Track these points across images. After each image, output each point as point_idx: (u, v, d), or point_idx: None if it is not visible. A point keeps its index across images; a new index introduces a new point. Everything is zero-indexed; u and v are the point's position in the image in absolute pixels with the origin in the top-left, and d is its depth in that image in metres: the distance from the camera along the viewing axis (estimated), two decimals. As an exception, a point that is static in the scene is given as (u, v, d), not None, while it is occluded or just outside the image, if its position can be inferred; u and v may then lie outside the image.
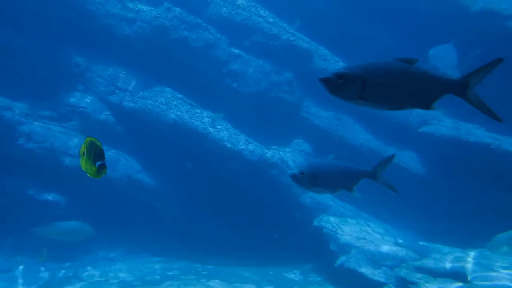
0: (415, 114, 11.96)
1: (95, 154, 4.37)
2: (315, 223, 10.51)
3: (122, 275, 9.69)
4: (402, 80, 3.58)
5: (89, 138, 4.43)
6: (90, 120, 11.37)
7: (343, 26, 12.65)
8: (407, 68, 3.63)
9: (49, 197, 10.75)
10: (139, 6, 12.12)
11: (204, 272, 10.01)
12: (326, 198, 11.35)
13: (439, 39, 11.70)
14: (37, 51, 11.47)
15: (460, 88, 3.51)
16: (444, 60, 9.77)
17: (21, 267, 10.06)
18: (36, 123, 10.96)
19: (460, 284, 7.85)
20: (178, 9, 12.18)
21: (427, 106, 3.64)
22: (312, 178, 5.35)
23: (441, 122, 11.68)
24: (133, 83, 11.88)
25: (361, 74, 3.55)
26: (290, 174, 5.43)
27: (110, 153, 11.20)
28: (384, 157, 5.60)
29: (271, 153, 11.16)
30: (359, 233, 10.05)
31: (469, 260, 8.35)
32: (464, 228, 10.43)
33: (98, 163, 4.32)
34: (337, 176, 5.46)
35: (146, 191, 11.19)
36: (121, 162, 11.20)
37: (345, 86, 3.55)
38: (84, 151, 4.41)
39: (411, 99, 3.63)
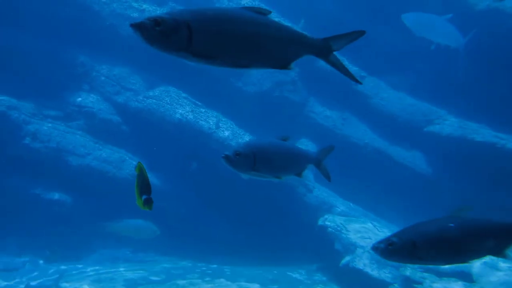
0: (419, 113, 11.93)
1: (142, 185, 4.07)
2: (320, 222, 10.51)
3: (127, 274, 9.73)
4: (247, 31, 2.97)
5: (140, 164, 4.08)
6: (95, 120, 11.41)
7: (348, 25, 12.62)
8: (256, 18, 3.05)
9: (54, 197, 10.80)
10: (144, 5, 12.15)
11: (209, 271, 10.04)
12: (331, 197, 11.35)
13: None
14: (42, 50, 11.51)
15: (323, 50, 3.21)
16: (441, 31, 9.70)
17: (27, 266, 10.12)
18: (42, 123, 11.01)
19: (465, 283, 7.84)
20: (182, 8, 12.18)
21: (284, 66, 3.19)
22: (250, 160, 4.54)
23: (446, 121, 11.66)
24: (138, 83, 11.91)
25: (186, 20, 2.84)
26: (223, 156, 4.62)
27: (115, 153, 11.24)
28: (326, 146, 5.18)
29: (276, 153, 11.15)
30: (364, 232, 10.05)
31: (476, 260, 8.33)
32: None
33: (144, 197, 4.02)
34: (279, 159, 4.70)
35: (152, 190, 11.20)
36: (127, 162, 11.24)
37: (165, 35, 2.84)
38: (136, 175, 4.12)
39: (262, 56, 3.08)
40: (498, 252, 3.46)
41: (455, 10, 11.48)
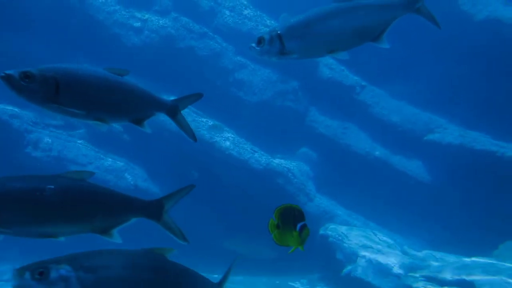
0: (420, 122, 11.97)
1: (295, 217, 3.75)
2: (321, 231, 10.49)
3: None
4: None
5: (283, 206, 3.74)
6: (97, 129, 11.43)
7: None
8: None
9: (56, 205, 10.80)
10: (147, 15, 12.26)
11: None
12: (332, 207, 11.35)
13: (444, 46, 11.77)
14: (45, 59, 11.57)
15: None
16: None
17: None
18: (44, 132, 11.05)
19: (467, 293, 7.81)
20: (185, 19, 12.30)
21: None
22: (49, 88, 3.24)
23: (446, 130, 11.69)
24: (140, 92, 11.98)
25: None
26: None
27: (117, 162, 11.26)
28: (192, 93, 4.28)
29: (277, 162, 11.19)
30: (366, 242, 10.03)
31: (477, 268, 8.31)
32: (471, 236, 10.39)
33: (300, 224, 3.67)
34: (96, 91, 3.47)
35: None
36: (128, 171, 11.26)
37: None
38: (277, 223, 3.70)
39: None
40: (103, 230, 3.28)
41: (455, 21, 11.58)
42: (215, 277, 3.77)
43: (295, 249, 3.69)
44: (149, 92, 3.65)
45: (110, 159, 11.25)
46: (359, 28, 3.56)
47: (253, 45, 3.72)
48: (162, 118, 12.53)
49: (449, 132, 11.60)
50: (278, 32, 3.57)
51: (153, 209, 3.44)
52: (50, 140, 10.98)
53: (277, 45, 3.57)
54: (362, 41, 3.67)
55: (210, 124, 11.60)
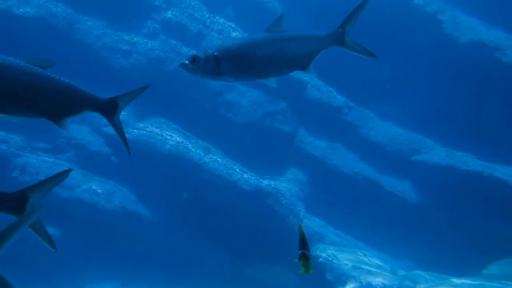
0: (407, 142, 12.09)
1: (301, 241, 3.75)
2: (311, 252, 10.45)
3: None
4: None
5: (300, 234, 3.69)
6: (85, 152, 11.40)
7: (337, 58, 12.88)
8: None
9: (43, 229, 10.66)
10: (135, 38, 12.34)
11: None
12: (322, 227, 11.35)
13: (429, 68, 11.99)
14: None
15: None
16: None
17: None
18: (31, 156, 10.98)
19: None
20: (173, 41, 12.40)
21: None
22: None
23: (433, 150, 11.82)
24: (128, 114, 11.97)
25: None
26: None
27: (105, 185, 11.20)
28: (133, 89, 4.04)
29: (266, 183, 11.21)
30: (356, 262, 10.02)
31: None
32: (459, 256, 10.44)
33: (300, 252, 3.76)
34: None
35: (142, 222, 11.15)
36: (116, 194, 11.19)
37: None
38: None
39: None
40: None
41: (440, 43, 11.83)
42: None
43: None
44: (76, 88, 3.48)
45: (98, 182, 11.19)
46: (290, 57, 3.87)
47: (186, 62, 3.86)
48: (153, 140, 12.44)
49: (436, 153, 11.73)
50: (215, 53, 3.79)
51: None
52: (37, 164, 10.90)
53: (212, 66, 3.79)
54: (292, 70, 3.98)
55: (199, 145, 11.61)
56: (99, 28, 12.13)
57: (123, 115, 12.24)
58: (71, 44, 11.83)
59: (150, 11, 12.72)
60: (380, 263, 10.16)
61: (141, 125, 11.79)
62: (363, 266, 9.79)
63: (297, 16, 13.02)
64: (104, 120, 13.24)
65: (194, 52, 4.02)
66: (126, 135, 13.06)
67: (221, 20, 13.00)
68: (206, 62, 3.80)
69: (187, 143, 11.53)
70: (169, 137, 11.51)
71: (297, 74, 12.44)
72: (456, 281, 8.94)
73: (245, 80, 4.25)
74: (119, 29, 12.41)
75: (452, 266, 9.98)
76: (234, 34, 12.81)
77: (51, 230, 10.70)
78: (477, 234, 10.82)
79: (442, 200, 11.27)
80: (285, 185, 11.62)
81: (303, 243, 3.82)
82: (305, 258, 3.77)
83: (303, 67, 3.89)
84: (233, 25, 13.06)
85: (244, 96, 12.33)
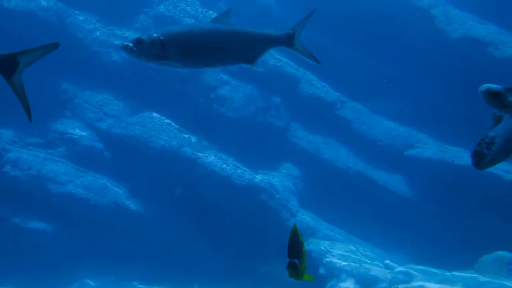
0: (400, 137, 12.13)
1: (290, 248, 3.38)
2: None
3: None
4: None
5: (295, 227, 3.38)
6: (77, 147, 11.33)
7: (330, 53, 12.88)
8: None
9: (35, 225, 10.62)
10: (127, 33, 12.26)
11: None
12: (315, 222, 11.37)
13: (422, 63, 12.01)
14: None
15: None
16: None
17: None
18: (23, 150, 10.90)
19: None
20: (166, 36, 12.32)
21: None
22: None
23: (426, 145, 11.86)
24: (121, 109, 11.91)
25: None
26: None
27: (98, 180, 11.15)
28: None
29: (260, 178, 11.20)
30: (349, 256, 10.06)
31: (457, 282, 8.39)
32: (452, 250, 10.50)
33: (288, 260, 3.35)
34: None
35: (134, 217, 11.12)
36: (109, 189, 11.14)
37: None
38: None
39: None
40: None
41: (432, 38, 11.85)
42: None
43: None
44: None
45: (90, 177, 11.13)
46: (238, 50, 4.01)
47: (130, 44, 3.81)
48: (145, 135, 12.31)
49: (428, 147, 11.77)
50: (161, 38, 3.79)
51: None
52: (29, 159, 10.82)
53: (158, 50, 3.79)
54: (238, 62, 4.12)
55: (193, 140, 11.58)
56: (91, 23, 12.03)
57: (116, 109, 12.24)
58: (63, 38, 11.72)
59: (142, 5, 12.64)
60: (373, 257, 10.21)
61: (134, 119, 11.73)
62: (356, 260, 9.83)
63: (290, 12, 13.01)
64: (97, 115, 13.17)
65: (139, 34, 4.11)
66: (119, 129, 13.07)
67: (214, 15, 12.93)
68: (151, 45, 3.78)
69: (180, 138, 11.49)
70: (162, 132, 11.47)
71: (291, 69, 12.43)
72: (448, 274, 9.01)
73: (192, 67, 4.31)
74: (111, 23, 12.31)
75: (445, 261, 10.05)
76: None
77: (43, 225, 10.67)
78: (469, 229, 10.89)
79: (434, 194, 11.33)
80: (279, 180, 11.62)
81: (294, 249, 3.38)
82: (293, 267, 3.30)
83: (250, 61, 4.01)
84: (226, 19, 12.99)
85: (237, 91, 12.30)
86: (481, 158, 2.78)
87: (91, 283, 10.69)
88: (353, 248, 10.56)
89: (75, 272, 10.66)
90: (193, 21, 12.72)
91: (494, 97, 2.73)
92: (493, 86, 2.74)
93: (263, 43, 4.05)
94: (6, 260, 10.24)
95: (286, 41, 4.10)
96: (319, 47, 12.97)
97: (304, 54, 4.18)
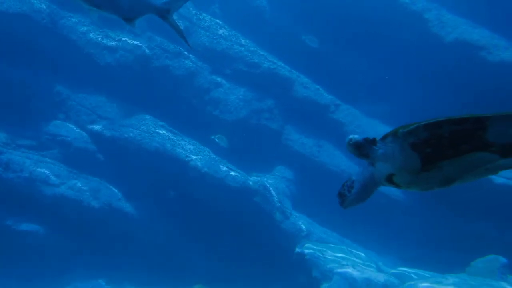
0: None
1: None
2: (298, 249, 10.51)
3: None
4: None
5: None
6: (70, 149, 11.29)
7: (325, 55, 12.93)
8: None
9: (27, 227, 10.56)
10: (121, 35, 12.23)
11: (187, 302, 9.89)
12: (309, 224, 11.39)
13: (415, 67, 12.07)
14: (18, 80, 11.42)
15: None
16: None
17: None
18: (15, 152, 10.84)
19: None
20: (159, 38, 12.32)
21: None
22: None
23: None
24: (114, 111, 11.88)
25: None
26: None
27: (91, 182, 11.11)
28: None
29: (253, 180, 11.21)
30: (342, 259, 10.08)
31: (449, 284, 8.42)
32: (444, 254, 10.55)
33: None
34: None
35: (127, 219, 11.08)
36: (102, 191, 11.10)
37: None
38: None
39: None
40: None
41: (425, 42, 11.91)
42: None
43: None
44: None
45: (83, 179, 11.09)
46: (123, 6, 4.66)
47: None
48: (139, 138, 12.26)
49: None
50: None
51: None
52: (21, 161, 10.76)
53: None
54: (118, 14, 4.71)
55: (187, 142, 11.56)
56: (84, 25, 12.00)
57: (109, 111, 12.16)
58: (56, 40, 11.69)
59: (136, 7, 12.60)
60: (366, 260, 10.24)
61: (127, 122, 11.71)
62: (349, 263, 9.85)
63: (283, 14, 13.04)
64: (90, 117, 13.13)
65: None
66: (112, 131, 13.06)
67: (208, 17, 12.95)
68: None
69: (174, 140, 11.47)
70: (155, 134, 11.45)
71: (285, 72, 12.45)
72: (440, 277, 9.04)
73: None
74: (104, 25, 12.28)
75: (437, 264, 10.08)
76: (221, 31, 12.77)
77: (35, 228, 10.61)
78: (462, 232, 10.94)
79: (426, 197, 11.38)
80: (272, 182, 11.63)
81: None
82: None
83: (129, 19, 4.71)
84: (220, 22, 13.01)
85: (231, 94, 12.31)
86: (343, 200, 3.00)
87: (85, 286, 10.64)
88: (347, 251, 10.59)
89: (67, 275, 10.60)
90: (187, 23, 12.72)
91: (355, 147, 2.94)
92: (355, 136, 2.97)
93: (144, 7, 4.71)
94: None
95: (162, 13, 4.73)
96: (314, 50, 13.06)
97: (176, 30, 4.83)
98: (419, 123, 2.71)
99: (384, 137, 2.88)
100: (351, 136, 2.99)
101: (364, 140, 2.95)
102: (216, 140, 11.39)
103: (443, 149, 2.66)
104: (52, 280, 10.50)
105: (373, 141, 2.90)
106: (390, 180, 2.87)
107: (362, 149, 2.95)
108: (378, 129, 12.38)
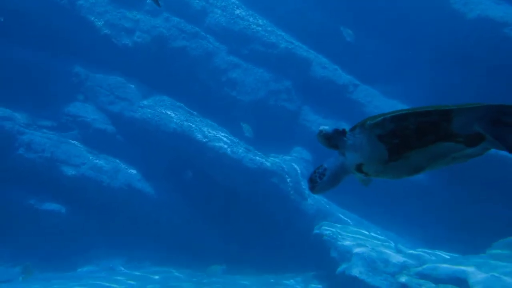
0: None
1: None
2: (316, 230, 10.51)
3: (123, 284, 9.67)
4: None
5: None
6: (90, 130, 11.40)
7: (343, 36, 12.71)
8: None
9: (49, 207, 10.75)
10: (138, 16, 12.20)
11: (205, 281, 10.00)
12: (326, 205, 11.37)
13: (435, 46, 11.82)
14: (37, 61, 11.52)
15: None
16: None
17: (21, 277, 10.03)
18: (36, 133, 10.98)
19: (461, 290, 7.85)
20: (176, 19, 12.26)
21: None
22: None
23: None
24: (132, 92, 11.92)
25: None
26: None
27: (111, 162, 11.22)
28: None
29: (271, 161, 11.19)
30: (360, 240, 10.05)
31: (470, 266, 8.36)
32: (465, 235, 10.45)
33: None
34: None
35: (146, 199, 11.20)
36: (122, 171, 11.22)
37: None
38: None
39: None
40: None
41: (447, 19, 11.63)
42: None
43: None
44: None
45: (103, 160, 11.21)
46: None
47: None
48: (157, 118, 12.28)
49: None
50: None
51: None
52: (42, 141, 10.91)
53: None
54: None
55: (204, 124, 11.56)
56: (102, 5, 11.99)
57: (128, 92, 12.24)
58: (74, 21, 11.72)
59: (153, -12, 12.54)
60: (384, 241, 10.20)
61: (145, 103, 11.75)
62: (367, 244, 9.83)
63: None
64: (109, 98, 13.27)
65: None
66: (131, 112, 13.21)
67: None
68: None
69: (192, 121, 11.49)
70: (173, 115, 11.48)
71: (302, 52, 12.31)
72: (461, 258, 8.98)
73: None
74: (121, 6, 12.26)
75: (457, 245, 10.00)
76: (237, 11, 12.65)
77: (57, 207, 10.80)
78: (482, 214, 10.81)
79: (448, 179, 11.24)
80: (290, 163, 11.60)
81: None
82: None
83: None
84: (237, 2, 12.88)
85: (248, 75, 12.24)
86: (313, 185, 3.10)
87: (106, 264, 10.83)
88: (365, 231, 10.56)
89: (88, 253, 10.80)
90: (203, 3, 12.62)
91: (324, 138, 3.04)
92: (326, 128, 3.05)
93: None
94: (20, 241, 10.40)
95: None
96: (331, 30, 12.87)
97: None
98: (385, 115, 2.78)
99: (352, 129, 2.93)
100: (321, 128, 3.05)
101: (334, 132, 3.01)
102: (243, 128, 11.37)
103: (409, 140, 2.74)
104: (74, 259, 10.70)
105: (343, 132, 2.95)
106: (359, 169, 2.98)
107: (332, 140, 3.03)
108: (397, 109, 12.22)
